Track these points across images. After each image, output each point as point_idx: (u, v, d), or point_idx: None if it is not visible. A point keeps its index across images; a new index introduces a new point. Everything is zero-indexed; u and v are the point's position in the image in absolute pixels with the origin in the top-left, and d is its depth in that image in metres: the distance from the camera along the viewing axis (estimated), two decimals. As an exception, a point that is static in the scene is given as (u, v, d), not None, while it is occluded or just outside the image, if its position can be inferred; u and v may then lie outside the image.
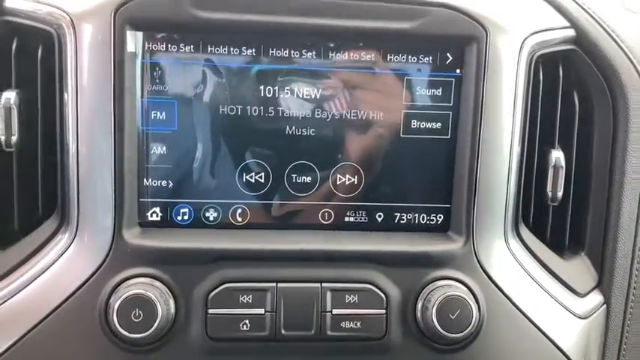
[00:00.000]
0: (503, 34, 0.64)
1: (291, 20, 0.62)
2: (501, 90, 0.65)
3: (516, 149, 0.66)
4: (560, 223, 0.72)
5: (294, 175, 0.66)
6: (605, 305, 0.71)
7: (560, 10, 0.68)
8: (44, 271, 0.62)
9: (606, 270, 0.71)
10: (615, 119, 0.69)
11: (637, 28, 0.72)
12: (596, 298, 0.71)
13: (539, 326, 0.68)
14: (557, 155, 0.69)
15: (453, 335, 0.63)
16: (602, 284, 0.71)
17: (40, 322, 0.62)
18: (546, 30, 0.67)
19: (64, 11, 0.61)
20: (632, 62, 0.69)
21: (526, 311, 0.67)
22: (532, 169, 0.70)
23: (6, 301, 0.61)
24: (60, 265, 0.62)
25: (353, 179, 0.67)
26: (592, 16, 0.69)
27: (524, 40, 0.65)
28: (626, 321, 0.71)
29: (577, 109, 0.70)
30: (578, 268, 0.72)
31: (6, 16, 0.62)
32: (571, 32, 0.68)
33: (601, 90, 0.69)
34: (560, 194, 0.69)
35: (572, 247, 0.73)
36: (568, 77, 0.70)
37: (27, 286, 0.62)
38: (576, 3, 0.69)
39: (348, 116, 0.65)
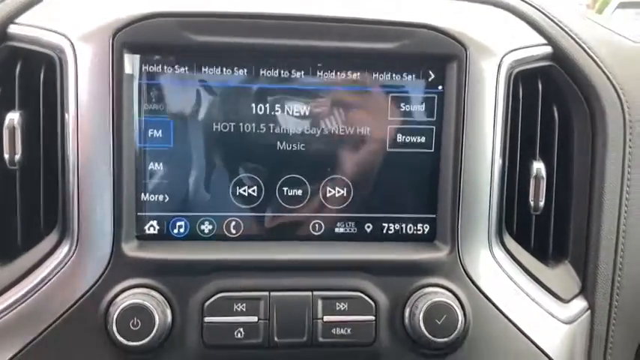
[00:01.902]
0: (483, 52, 0.67)
1: (280, 42, 0.65)
2: (482, 105, 0.68)
3: (498, 161, 0.69)
4: (543, 231, 0.74)
5: (285, 189, 0.69)
6: (589, 311, 0.73)
7: (536, 27, 0.71)
8: (45, 284, 0.64)
9: (589, 276, 0.73)
10: (593, 131, 0.72)
11: (610, 42, 0.75)
12: (580, 303, 0.73)
13: (525, 331, 0.70)
14: (538, 166, 0.71)
15: (440, 340, 0.66)
16: (586, 290, 0.73)
17: (41, 333, 0.64)
18: (524, 47, 0.70)
19: (64, 36, 0.64)
20: (607, 76, 0.72)
21: (511, 317, 0.69)
22: (514, 179, 0.72)
23: (8, 312, 0.64)
24: (60, 278, 0.64)
25: (342, 192, 0.70)
26: (568, 33, 0.72)
27: (503, 57, 0.68)
28: (610, 326, 0.73)
29: (556, 121, 0.73)
30: (562, 275, 0.74)
31: (10, 41, 0.65)
32: (548, 49, 0.71)
33: (579, 103, 0.72)
34: (542, 204, 0.72)
35: (556, 254, 0.75)
36: (547, 91, 0.72)
37: (28, 298, 0.64)
38: (552, 21, 0.72)
39: (337, 132, 0.68)
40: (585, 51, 0.72)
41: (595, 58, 0.72)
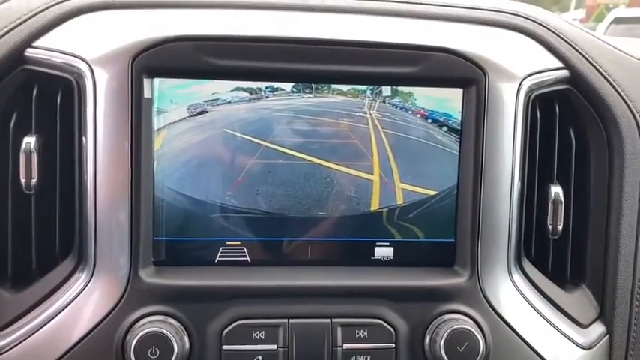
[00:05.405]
0: (502, 76, 0.67)
1: (297, 66, 0.65)
2: (502, 129, 0.68)
3: (517, 185, 0.69)
4: (561, 255, 0.74)
5: (302, 215, 0.68)
6: (607, 335, 0.72)
7: (554, 51, 0.71)
8: (61, 311, 0.63)
9: (607, 301, 0.72)
10: (610, 154, 0.72)
11: (626, 66, 0.75)
12: (598, 328, 0.72)
13: (545, 357, 0.69)
14: (556, 190, 0.71)
15: None
16: (604, 315, 0.73)
17: None
18: (542, 71, 0.70)
19: (82, 59, 0.64)
20: (623, 99, 0.71)
21: (531, 342, 0.69)
22: (532, 204, 0.72)
23: (24, 340, 0.63)
24: (77, 304, 0.63)
25: (360, 217, 0.69)
26: (584, 57, 0.72)
27: (522, 81, 0.68)
28: (629, 351, 0.73)
29: (573, 145, 0.73)
30: (580, 300, 0.73)
31: (27, 65, 0.65)
32: (565, 73, 0.71)
33: (596, 126, 0.72)
34: (560, 228, 0.71)
35: (574, 279, 0.74)
36: (564, 115, 0.72)
37: (45, 324, 0.63)
38: (569, 44, 0.72)
39: (353, 159, 0.68)
40: (602, 74, 0.72)
41: (612, 81, 0.72)
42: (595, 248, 0.73)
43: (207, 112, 0.66)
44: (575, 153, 0.73)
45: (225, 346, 0.64)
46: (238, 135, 0.66)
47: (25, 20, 0.65)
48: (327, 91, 0.67)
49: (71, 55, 0.64)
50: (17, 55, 0.64)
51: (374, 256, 0.70)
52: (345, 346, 0.66)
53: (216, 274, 0.66)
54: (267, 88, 0.66)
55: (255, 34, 0.65)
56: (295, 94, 0.67)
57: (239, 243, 0.68)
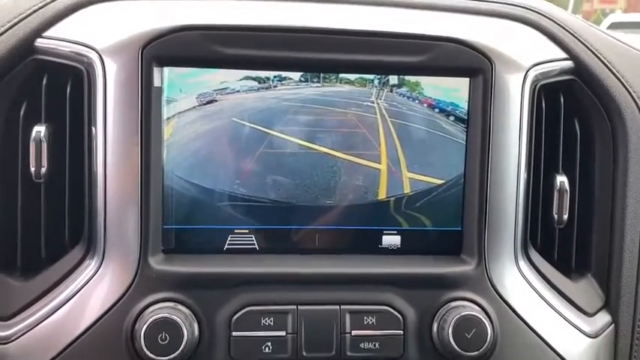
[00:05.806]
0: (508, 66, 0.68)
1: (305, 55, 0.66)
2: (508, 118, 0.68)
3: (523, 175, 0.69)
4: (566, 244, 0.74)
5: (310, 203, 0.69)
6: (613, 325, 0.73)
7: (558, 42, 0.72)
8: (71, 298, 0.63)
9: (613, 290, 0.73)
10: (615, 144, 0.73)
11: (630, 57, 0.76)
12: (604, 317, 0.73)
13: (551, 344, 0.69)
14: (561, 179, 0.72)
15: (470, 354, 0.65)
16: (610, 304, 0.73)
17: (66, 349, 0.63)
18: (547, 62, 0.71)
19: (92, 49, 0.64)
20: (627, 90, 0.72)
21: (538, 330, 0.69)
22: (538, 193, 0.72)
23: (35, 326, 0.63)
24: (86, 292, 0.64)
25: (367, 206, 0.70)
26: (588, 48, 0.72)
27: (528, 71, 0.69)
28: (634, 340, 0.73)
29: (578, 135, 0.74)
30: (586, 289, 0.74)
31: (37, 54, 0.65)
32: (569, 63, 0.72)
33: (600, 116, 0.73)
34: (565, 217, 0.72)
35: (579, 268, 0.75)
36: (569, 105, 0.73)
37: (55, 312, 0.63)
38: (573, 36, 0.73)
39: (361, 148, 0.69)
40: (606, 65, 0.72)
41: (615, 72, 0.72)
42: (600, 237, 0.74)
43: (216, 101, 0.66)
44: (580, 143, 0.73)
45: (234, 333, 0.65)
46: (247, 124, 0.67)
47: (35, 11, 0.65)
48: (334, 80, 0.68)
49: (81, 45, 0.64)
50: (27, 45, 0.65)
51: (381, 245, 0.70)
52: (354, 332, 0.66)
53: (224, 262, 0.66)
54: (275, 77, 0.67)
55: (263, 24, 0.65)
56: (303, 84, 0.68)
57: (247, 231, 0.68)
